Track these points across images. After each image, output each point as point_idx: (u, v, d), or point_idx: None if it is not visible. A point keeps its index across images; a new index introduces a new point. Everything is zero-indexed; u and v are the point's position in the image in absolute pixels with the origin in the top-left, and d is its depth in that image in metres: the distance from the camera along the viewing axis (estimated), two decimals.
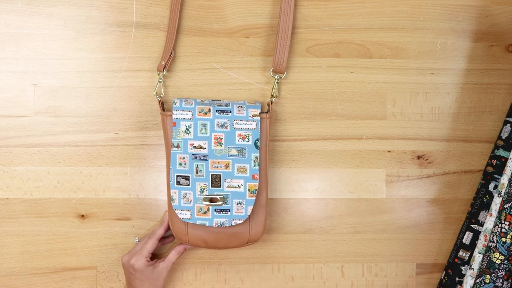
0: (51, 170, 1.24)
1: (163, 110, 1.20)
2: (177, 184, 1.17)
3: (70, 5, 1.22)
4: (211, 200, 1.17)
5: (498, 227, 1.13)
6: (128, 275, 1.19)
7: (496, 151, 1.26)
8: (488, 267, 1.13)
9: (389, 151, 1.29)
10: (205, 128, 1.16)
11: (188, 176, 1.16)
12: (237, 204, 1.17)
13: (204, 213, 1.17)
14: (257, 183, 1.17)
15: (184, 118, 1.16)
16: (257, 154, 1.17)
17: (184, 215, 1.17)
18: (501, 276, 1.13)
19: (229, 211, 1.17)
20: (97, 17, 1.22)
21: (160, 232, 1.22)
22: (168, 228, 1.24)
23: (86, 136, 1.24)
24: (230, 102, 1.18)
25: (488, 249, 1.14)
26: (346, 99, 1.27)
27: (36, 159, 1.23)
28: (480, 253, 1.17)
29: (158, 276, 1.20)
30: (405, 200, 1.31)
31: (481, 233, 1.18)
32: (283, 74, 1.23)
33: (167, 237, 1.27)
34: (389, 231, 1.31)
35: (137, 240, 1.24)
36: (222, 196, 1.17)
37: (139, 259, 1.18)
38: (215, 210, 1.17)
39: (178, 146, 1.16)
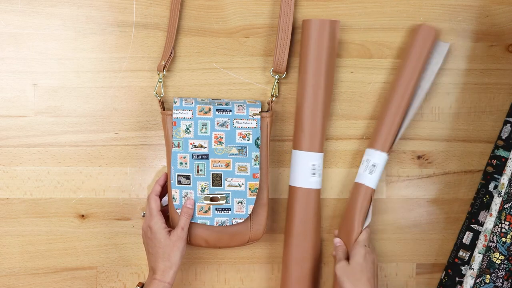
0: (51, 170, 1.24)
1: (163, 110, 1.20)
2: (178, 184, 1.17)
3: (70, 5, 1.22)
4: (212, 199, 1.17)
5: (498, 227, 1.13)
6: (147, 241, 1.16)
7: (496, 151, 1.26)
8: (488, 267, 1.13)
9: None
10: (206, 127, 1.16)
11: (189, 176, 1.16)
12: (238, 203, 1.17)
13: (205, 212, 1.17)
14: (257, 182, 1.17)
15: (184, 117, 1.16)
16: (258, 153, 1.17)
17: None
18: (501, 276, 1.13)
19: (230, 210, 1.17)
20: (97, 17, 1.22)
21: (157, 188, 1.19)
22: (164, 183, 1.20)
23: (86, 136, 1.24)
24: (230, 101, 1.18)
25: (488, 249, 1.14)
26: (346, 99, 1.27)
27: (36, 159, 1.23)
28: (480, 253, 1.17)
29: (172, 247, 1.13)
30: (405, 200, 1.31)
31: (481, 233, 1.18)
32: (283, 74, 1.23)
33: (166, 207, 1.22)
34: (389, 231, 1.31)
35: (143, 215, 1.22)
36: (223, 195, 1.17)
37: (156, 222, 1.14)
38: (216, 209, 1.17)
39: (178, 146, 1.16)
